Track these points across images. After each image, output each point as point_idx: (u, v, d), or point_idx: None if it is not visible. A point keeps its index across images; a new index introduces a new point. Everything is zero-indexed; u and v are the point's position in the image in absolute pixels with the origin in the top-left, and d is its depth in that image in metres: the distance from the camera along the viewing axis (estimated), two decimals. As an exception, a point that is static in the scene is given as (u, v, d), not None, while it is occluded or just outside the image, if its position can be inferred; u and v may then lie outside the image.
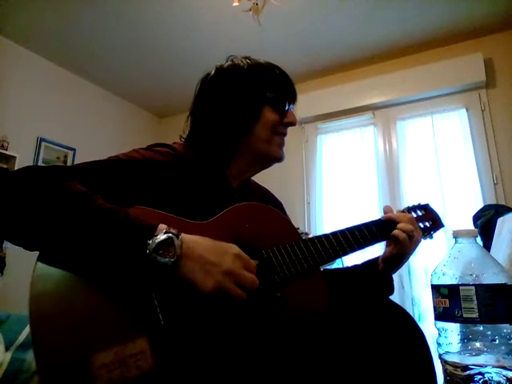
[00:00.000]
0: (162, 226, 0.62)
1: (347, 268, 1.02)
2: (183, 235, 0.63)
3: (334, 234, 0.84)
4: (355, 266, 1.00)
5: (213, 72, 0.90)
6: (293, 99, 0.90)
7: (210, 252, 0.64)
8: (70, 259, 0.61)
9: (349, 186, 2.96)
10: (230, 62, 0.90)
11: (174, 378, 0.60)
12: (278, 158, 0.89)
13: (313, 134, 3.20)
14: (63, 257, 0.61)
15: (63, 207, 0.60)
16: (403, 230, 0.88)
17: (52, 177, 0.64)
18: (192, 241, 0.64)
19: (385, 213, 0.95)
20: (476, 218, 1.88)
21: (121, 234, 0.60)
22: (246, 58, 0.91)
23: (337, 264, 2.48)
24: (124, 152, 0.77)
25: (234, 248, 0.66)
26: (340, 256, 0.83)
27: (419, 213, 1.00)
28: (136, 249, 0.60)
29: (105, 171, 0.71)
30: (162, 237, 0.60)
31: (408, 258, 0.91)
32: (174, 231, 0.62)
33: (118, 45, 2.89)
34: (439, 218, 1.01)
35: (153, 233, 0.61)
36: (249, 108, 0.85)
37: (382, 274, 0.93)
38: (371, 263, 0.97)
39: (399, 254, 0.89)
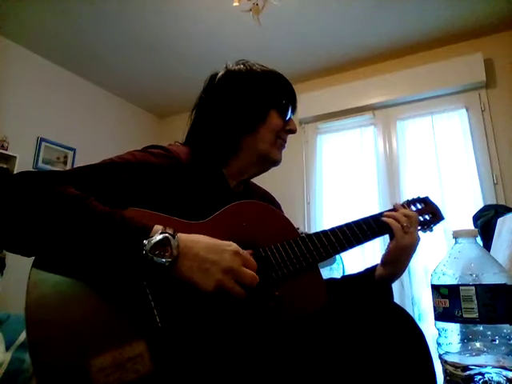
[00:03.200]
0: (158, 227, 0.62)
1: (342, 278, 1.01)
2: (180, 235, 0.63)
3: (332, 230, 0.84)
4: (351, 276, 0.99)
5: (223, 72, 0.92)
6: (294, 109, 0.94)
7: (208, 250, 0.63)
8: (66, 263, 0.61)
9: (349, 186, 2.96)
10: (241, 65, 0.92)
11: (173, 381, 0.60)
12: (277, 161, 0.91)
13: (313, 134, 3.20)
14: (59, 261, 0.61)
15: (57, 212, 0.60)
16: (394, 217, 0.88)
17: (45, 182, 0.63)
18: (189, 240, 0.64)
19: (394, 210, 0.94)
20: (476, 218, 1.88)
21: (116, 235, 0.60)
22: (258, 64, 0.94)
23: (336, 263, 2.48)
24: (118, 155, 0.77)
25: (232, 245, 0.66)
26: (339, 252, 0.82)
27: (419, 206, 1.00)
28: (132, 250, 0.59)
29: (99, 174, 0.71)
30: (158, 237, 0.60)
31: (409, 254, 0.88)
32: (170, 231, 0.62)
33: (118, 45, 2.89)
34: (439, 211, 1.01)
35: (148, 233, 0.61)
36: (257, 107, 0.87)
37: (380, 280, 0.91)
38: (368, 271, 0.95)
39: (396, 248, 0.87)
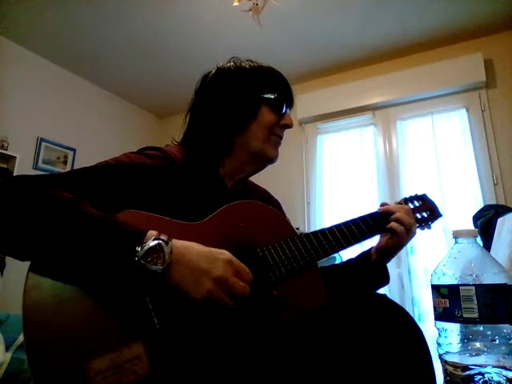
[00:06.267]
0: (152, 232, 0.61)
1: (341, 263, 1.02)
2: (174, 241, 0.62)
3: (330, 228, 0.84)
4: (349, 260, 1.01)
5: (214, 71, 0.91)
6: (290, 103, 0.92)
7: (200, 258, 0.63)
8: (61, 268, 0.61)
9: (349, 186, 2.96)
10: (231, 63, 0.92)
11: (171, 382, 0.59)
12: (272, 158, 0.90)
13: (313, 134, 3.20)
14: (54, 266, 0.61)
15: (50, 216, 0.60)
16: (402, 222, 0.89)
17: (38, 186, 0.63)
18: (183, 246, 0.63)
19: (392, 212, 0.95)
20: (476, 218, 1.88)
21: (109, 241, 0.60)
22: (248, 60, 0.93)
23: (336, 262, 2.48)
24: (114, 157, 0.77)
25: (225, 254, 0.65)
26: (337, 251, 0.82)
27: (416, 203, 1.00)
28: (125, 256, 0.59)
29: (93, 177, 0.70)
30: (151, 243, 0.59)
31: (402, 248, 0.92)
32: (164, 237, 0.61)
33: (117, 45, 2.89)
34: (437, 208, 1.01)
35: (142, 239, 0.60)
36: (246, 104, 0.86)
37: (375, 265, 0.94)
38: (364, 255, 0.98)
39: (395, 245, 0.90)
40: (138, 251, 0.59)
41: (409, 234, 0.89)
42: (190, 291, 0.61)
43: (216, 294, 0.62)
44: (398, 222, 0.89)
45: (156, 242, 0.60)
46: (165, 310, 0.63)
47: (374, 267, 0.95)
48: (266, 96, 0.87)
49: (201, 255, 0.63)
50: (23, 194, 0.61)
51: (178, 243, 0.63)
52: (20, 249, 0.61)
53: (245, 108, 0.86)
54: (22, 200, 0.61)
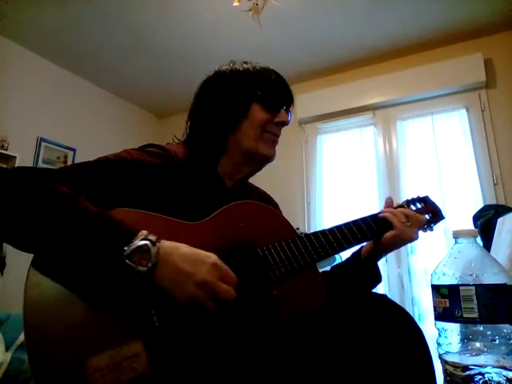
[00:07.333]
0: (142, 232, 0.61)
1: (333, 267, 1.02)
2: (162, 242, 0.62)
3: (331, 229, 0.84)
4: (339, 264, 1.00)
5: (211, 74, 0.93)
6: (286, 101, 0.91)
7: (185, 261, 0.62)
8: (56, 263, 0.61)
9: (349, 186, 2.96)
10: (228, 65, 0.93)
11: (169, 380, 0.60)
12: (269, 157, 0.89)
13: (313, 134, 3.20)
14: (48, 259, 0.61)
15: (46, 209, 0.60)
16: (393, 212, 0.91)
17: (38, 179, 0.64)
18: (171, 247, 0.63)
19: (386, 204, 0.95)
20: (476, 218, 1.88)
21: (100, 238, 0.60)
22: (244, 62, 0.93)
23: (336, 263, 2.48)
24: (114, 153, 0.77)
25: (211, 257, 0.64)
26: (337, 251, 0.82)
27: (418, 205, 1.00)
28: (112, 255, 0.59)
29: (93, 172, 0.71)
30: (138, 243, 0.59)
31: (399, 247, 0.92)
32: (152, 238, 0.61)
33: (117, 45, 2.89)
34: (439, 210, 1.01)
35: (131, 239, 0.60)
36: (235, 103, 0.86)
37: (367, 263, 0.94)
38: (355, 256, 0.97)
39: (395, 239, 0.89)
40: (125, 250, 0.59)
41: (409, 227, 0.89)
42: (173, 294, 0.61)
43: (199, 299, 0.61)
44: (388, 213, 0.90)
45: (143, 242, 0.60)
46: (164, 307, 0.63)
47: (366, 266, 0.94)
48: (256, 94, 0.86)
49: (186, 258, 0.62)
50: (22, 184, 0.62)
51: (166, 244, 0.62)
52: (17, 238, 0.61)
53: (235, 107, 0.86)
54: (21, 191, 0.61)
